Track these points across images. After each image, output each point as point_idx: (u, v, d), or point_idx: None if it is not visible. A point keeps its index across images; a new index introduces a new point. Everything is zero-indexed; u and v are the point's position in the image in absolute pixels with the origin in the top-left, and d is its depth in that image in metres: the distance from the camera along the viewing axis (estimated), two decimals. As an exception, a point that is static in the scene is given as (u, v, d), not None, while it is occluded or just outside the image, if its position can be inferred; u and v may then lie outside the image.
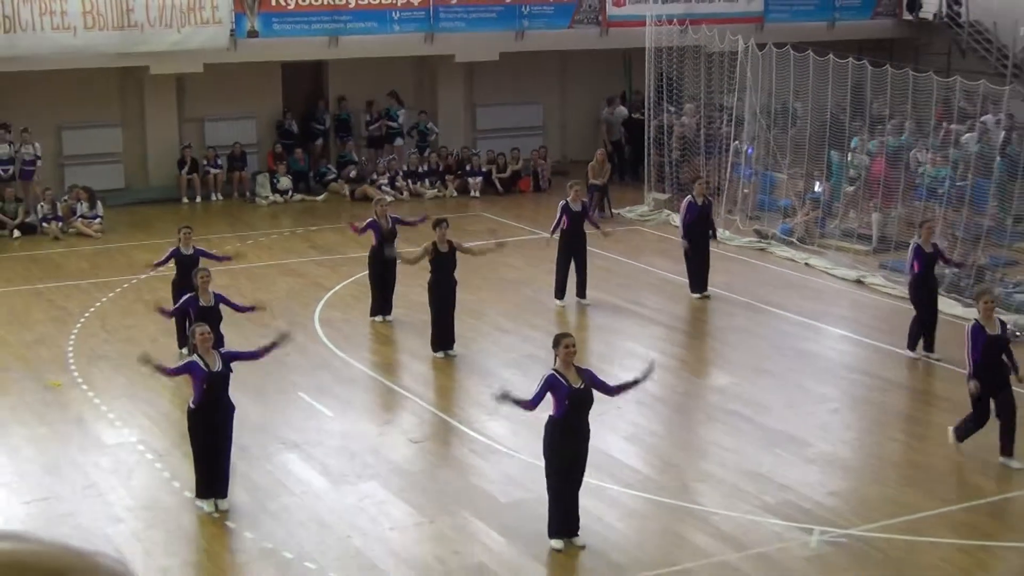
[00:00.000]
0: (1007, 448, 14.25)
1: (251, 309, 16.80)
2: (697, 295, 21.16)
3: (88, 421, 15.80)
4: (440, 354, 17.97)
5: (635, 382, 12.88)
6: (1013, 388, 14.33)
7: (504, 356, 18.41)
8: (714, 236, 21.47)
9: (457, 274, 18.18)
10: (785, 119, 26.63)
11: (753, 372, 17.80)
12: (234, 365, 13.38)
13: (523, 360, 18.06)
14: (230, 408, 13.25)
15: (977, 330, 14.28)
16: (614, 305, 20.79)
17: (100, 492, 13.66)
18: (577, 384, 12.09)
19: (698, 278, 21.17)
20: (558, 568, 11.94)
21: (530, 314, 20.26)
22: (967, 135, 23.97)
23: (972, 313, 19.94)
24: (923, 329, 18.07)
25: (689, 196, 21.48)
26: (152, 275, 22.20)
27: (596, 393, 12.36)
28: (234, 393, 15.47)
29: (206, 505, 13.06)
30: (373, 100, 30.96)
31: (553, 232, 20.55)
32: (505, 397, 12.43)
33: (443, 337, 18.06)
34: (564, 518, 12.25)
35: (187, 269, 17.58)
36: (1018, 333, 17.49)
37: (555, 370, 12.12)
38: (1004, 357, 14.30)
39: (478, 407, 16.44)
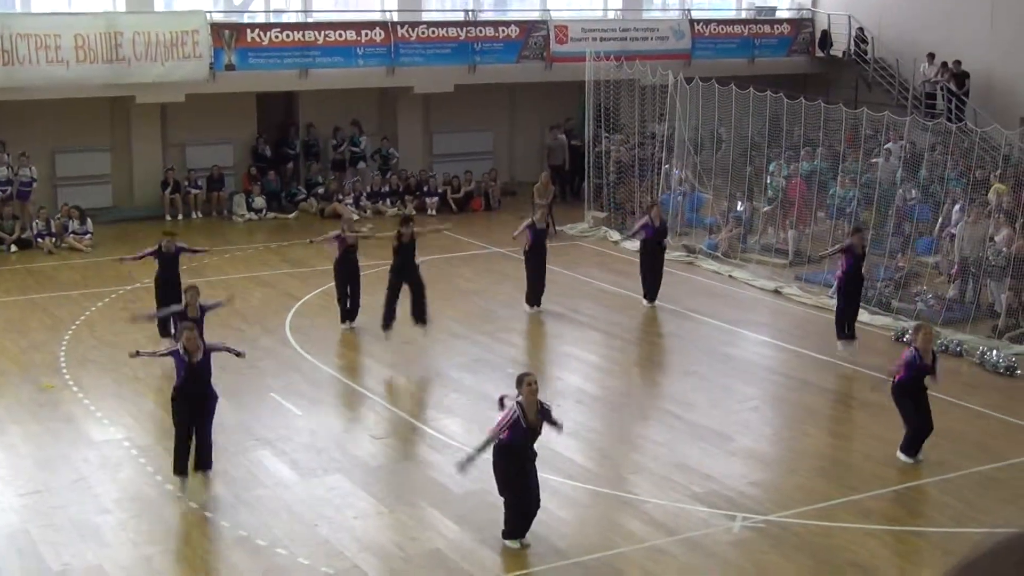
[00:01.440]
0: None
1: (219, 304, 16.82)
2: (648, 304, 21.23)
3: (78, 420, 15.61)
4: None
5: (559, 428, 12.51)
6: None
7: (457, 359, 18.34)
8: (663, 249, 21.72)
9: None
10: (713, 145, 26.73)
11: (682, 374, 17.83)
12: (214, 356, 13.54)
13: (473, 363, 18.02)
14: (212, 397, 13.37)
15: (914, 358, 14.08)
16: (556, 313, 20.77)
17: (89, 485, 13.49)
18: (533, 421, 11.81)
19: (651, 288, 21.31)
20: (507, 553, 11.88)
21: (480, 321, 20.22)
22: (876, 159, 24.12)
23: (879, 320, 20.19)
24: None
25: (646, 218, 21.60)
26: (137, 286, 22.05)
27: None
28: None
29: (181, 483, 13.21)
30: (339, 127, 30.84)
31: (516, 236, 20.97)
32: (470, 460, 12.05)
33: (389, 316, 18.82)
34: (520, 523, 12.05)
35: (168, 263, 18.56)
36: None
37: (519, 403, 11.86)
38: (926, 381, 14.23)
39: (434, 407, 16.38)
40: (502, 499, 12.09)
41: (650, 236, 21.25)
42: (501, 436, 11.77)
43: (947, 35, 31.89)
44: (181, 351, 13.11)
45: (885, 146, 24.47)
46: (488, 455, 11.95)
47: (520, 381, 12.06)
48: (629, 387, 17.58)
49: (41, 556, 11.74)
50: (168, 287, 18.51)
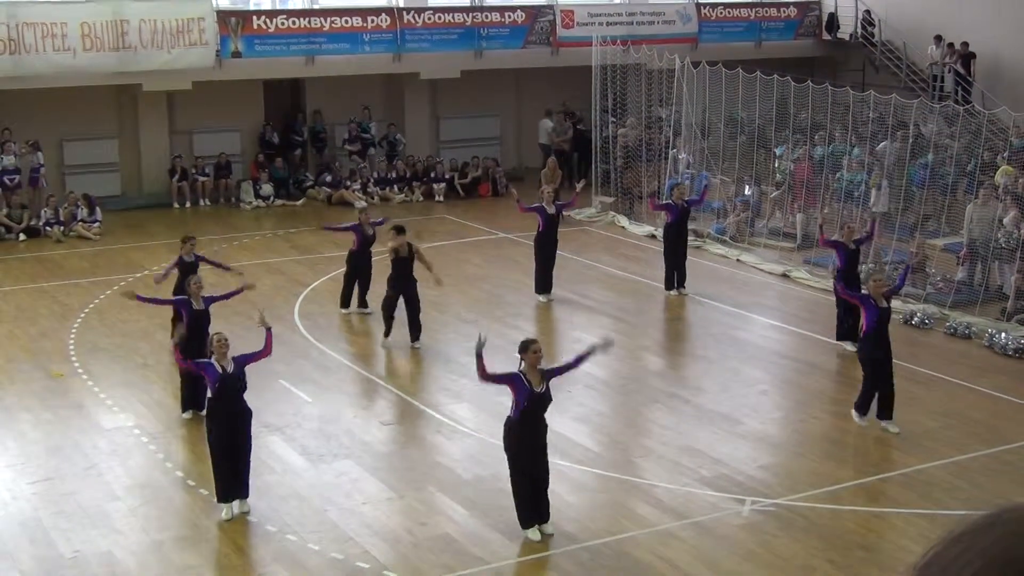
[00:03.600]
0: (886, 412, 14.68)
1: (239, 292, 16.12)
2: (674, 292, 21.04)
3: (88, 407, 15.64)
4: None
5: (592, 351, 12.64)
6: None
7: (465, 345, 18.32)
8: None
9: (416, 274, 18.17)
10: (730, 129, 26.57)
11: (691, 358, 17.83)
12: (248, 369, 12.63)
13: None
14: (247, 413, 12.49)
15: (870, 304, 14.58)
16: (564, 298, 20.76)
17: (99, 472, 13.52)
18: (539, 388, 11.77)
19: (676, 274, 21.10)
20: (515, 537, 11.88)
21: (489, 306, 20.21)
22: (883, 144, 24.04)
23: (897, 306, 20.14)
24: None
25: (669, 200, 21.55)
26: (146, 273, 22.07)
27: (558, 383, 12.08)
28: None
29: (224, 511, 12.28)
30: (353, 119, 30.76)
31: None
32: (480, 348, 11.90)
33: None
34: (532, 507, 12.00)
35: (188, 275, 17.18)
36: None
37: (521, 372, 11.90)
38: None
39: (443, 392, 16.38)
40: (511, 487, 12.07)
41: (674, 219, 21.09)
42: (510, 414, 11.79)
43: (954, 17, 31.78)
44: (214, 363, 12.28)
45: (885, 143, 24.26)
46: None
47: (525, 348, 11.94)
48: (638, 372, 17.57)
49: (52, 543, 11.78)
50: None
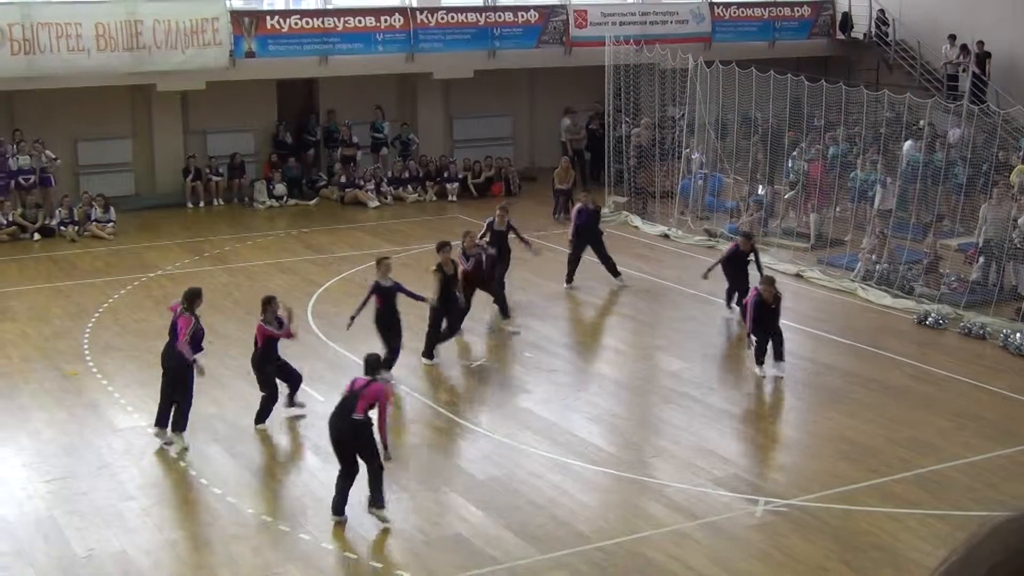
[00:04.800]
0: (779, 355, 16.66)
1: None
2: (617, 280, 21.40)
3: (102, 406, 15.68)
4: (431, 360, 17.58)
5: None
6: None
7: (478, 345, 18.34)
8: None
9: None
10: (735, 129, 26.54)
11: (703, 358, 17.80)
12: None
13: (495, 348, 18.06)
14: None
15: (758, 301, 16.45)
16: (576, 297, 20.75)
17: (113, 472, 13.55)
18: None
19: (608, 264, 21.40)
20: (529, 538, 11.88)
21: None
22: (908, 143, 23.96)
23: (901, 303, 20.14)
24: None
25: (580, 203, 21.78)
26: (160, 273, 22.14)
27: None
28: (233, 381, 15.45)
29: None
30: (372, 121, 30.78)
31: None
32: None
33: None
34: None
35: (388, 299, 16.36)
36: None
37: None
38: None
39: (455, 393, 16.39)
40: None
41: (584, 222, 21.24)
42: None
43: (968, 16, 31.67)
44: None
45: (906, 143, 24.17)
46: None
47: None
48: (651, 371, 17.55)
49: (67, 541, 11.81)
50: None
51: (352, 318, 15.93)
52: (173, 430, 14.15)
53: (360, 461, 12.15)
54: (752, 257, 19.11)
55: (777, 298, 16.77)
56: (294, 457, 13.98)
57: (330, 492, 12.90)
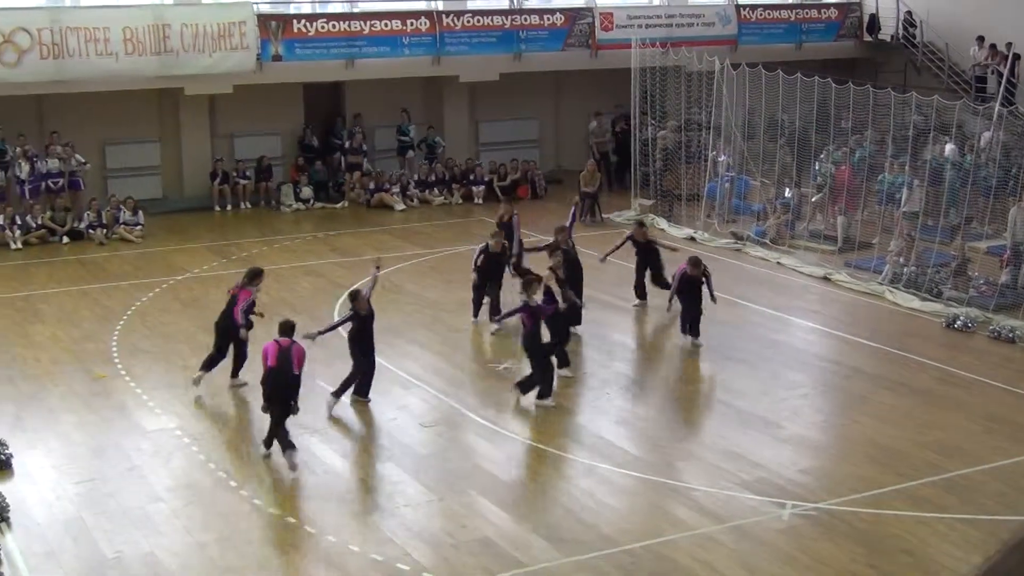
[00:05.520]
0: (694, 330, 18.01)
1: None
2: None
3: (131, 409, 15.76)
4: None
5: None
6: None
7: (505, 347, 18.36)
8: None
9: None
10: (771, 131, 26.44)
11: (731, 361, 17.75)
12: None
13: (521, 351, 18.05)
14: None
15: (683, 273, 18.23)
16: (603, 301, 20.72)
17: (142, 474, 13.61)
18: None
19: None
20: (555, 540, 11.87)
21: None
22: (949, 146, 23.84)
23: (929, 306, 20.06)
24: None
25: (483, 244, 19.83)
26: (187, 276, 22.23)
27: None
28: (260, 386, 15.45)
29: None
30: (357, 129, 30.83)
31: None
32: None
33: None
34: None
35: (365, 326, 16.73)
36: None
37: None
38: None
39: (482, 395, 16.40)
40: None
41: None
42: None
43: (996, 18, 31.53)
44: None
45: (946, 147, 24.01)
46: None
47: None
48: (677, 375, 17.53)
49: (95, 543, 11.87)
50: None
51: (318, 334, 15.65)
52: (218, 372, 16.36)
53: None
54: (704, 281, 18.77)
55: (705, 276, 18.35)
56: (320, 460, 14.01)
57: (357, 494, 12.97)
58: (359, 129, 30.49)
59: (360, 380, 15.79)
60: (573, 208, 21.26)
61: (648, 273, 20.30)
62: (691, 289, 18.32)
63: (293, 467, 13.51)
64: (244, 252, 24.48)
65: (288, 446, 13.68)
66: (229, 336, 16.33)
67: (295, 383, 14.05)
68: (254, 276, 16.73)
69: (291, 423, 14.25)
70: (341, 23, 29.15)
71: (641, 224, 21.11)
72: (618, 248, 20.28)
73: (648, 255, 20.28)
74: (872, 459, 13.98)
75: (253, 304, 16.46)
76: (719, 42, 31.77)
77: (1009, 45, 30.78)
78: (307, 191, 29.46)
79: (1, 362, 17.72)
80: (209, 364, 16.34)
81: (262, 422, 14.70)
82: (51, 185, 26.72)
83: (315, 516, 12.46)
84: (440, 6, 30.47)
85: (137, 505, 12.76)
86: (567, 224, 19.66)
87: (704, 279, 18.47)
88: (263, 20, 28.22)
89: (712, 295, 18.63)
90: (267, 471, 13.66)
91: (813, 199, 25.40)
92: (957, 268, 20.77)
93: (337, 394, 15.60)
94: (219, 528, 12.29)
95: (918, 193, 22.75)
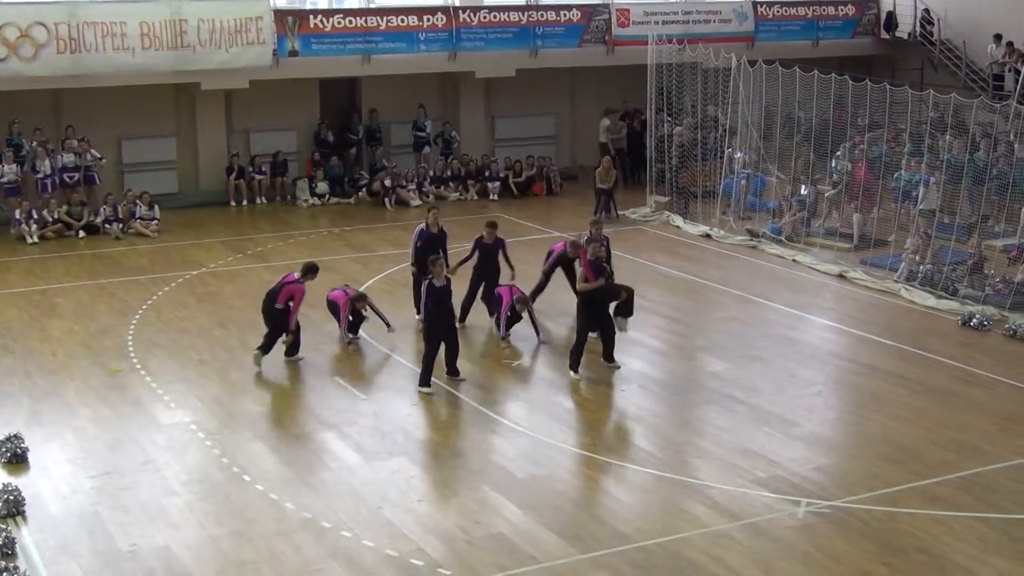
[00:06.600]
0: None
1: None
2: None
3: (146, 403, 15.80)
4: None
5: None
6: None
7: (519, 344, 18.36)
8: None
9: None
10: (788, 128, 26.36)
11: (746, 358, 17.72)
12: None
13: (535, 348, 18.05)
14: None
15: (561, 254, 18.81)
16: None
17: (157, 468, 13.65)
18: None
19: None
20: (570, 537, 11.87)
21: (541, 304, 20.06)
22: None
23: (945, 304, 20.01)
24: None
25: (422, 225, 19.21)
26: (203, 271, 22.27)
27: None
28: (276, 377, 15.57)
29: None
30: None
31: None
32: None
33: None
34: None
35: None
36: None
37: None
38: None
39: (497, 391, 16.40)
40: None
41: (423, 244, 18.79)
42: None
43: (1013, 15, 31.40)
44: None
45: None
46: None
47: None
48: (692, 372, 17.51)
49: (111, 536, 11.91)
50: None
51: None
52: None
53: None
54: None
55: (577, 258, 18.44)
56: (335, 455, 14.03)
57: (373, 489, 13.00)
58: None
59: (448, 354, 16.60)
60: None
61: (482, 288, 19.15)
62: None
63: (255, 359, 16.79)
64: (259, 247, 24.53)
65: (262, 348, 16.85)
66: (275, 318, 17.05)
67: (272, 313, 16.85)
68: (308, 271, 17.32)
69: (308, 416, 14.23)
70: (357, 19, 29.18)
71: (576, 245, 19.28)
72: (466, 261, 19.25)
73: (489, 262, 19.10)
74: (887, 457, 13.94)
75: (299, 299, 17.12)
76: (736, 39, 31.75)
77: (1027, 43, 30.67)
78: (322, 186, 29.50)
79: (17, 356, 17.79)
80: (266, 347, 17.09)
81: (276, 418, 14.75)
82: (67, 179, 26.82)
83: (329, 511, 12.48)
84: (457, 2, 30.48)
85: (152, 499, 12.80)
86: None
87: (499, 247, 18.94)
88: (280, 15, 28.28)
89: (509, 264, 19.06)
90: (280, 466, 13.67)
91: (827, 195, 25.34)
92: (973, 266, 20.70)
93: (451, 373, 16.59)
94: (233, 522, 12.32)
95: (934, 191, 22.67)
